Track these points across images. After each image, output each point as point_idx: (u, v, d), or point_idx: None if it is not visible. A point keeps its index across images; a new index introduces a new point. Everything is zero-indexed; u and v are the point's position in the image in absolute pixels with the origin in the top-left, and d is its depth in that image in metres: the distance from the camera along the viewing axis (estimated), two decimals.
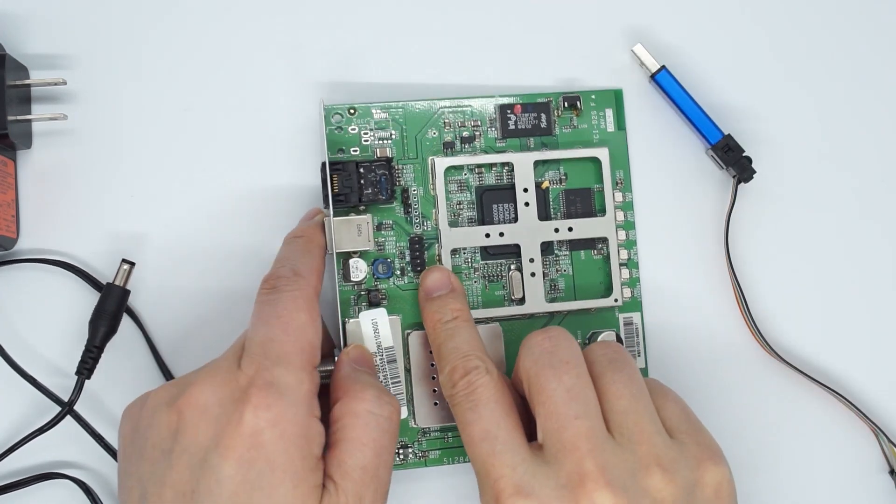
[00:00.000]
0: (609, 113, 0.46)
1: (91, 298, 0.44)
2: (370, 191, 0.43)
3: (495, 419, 0.38)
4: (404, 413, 0.43)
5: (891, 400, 0.47)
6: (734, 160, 0.46)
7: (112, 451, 0.44)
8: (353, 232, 0.43)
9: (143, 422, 0.37)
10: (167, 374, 0.45)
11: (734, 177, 0.46)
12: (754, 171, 0.46)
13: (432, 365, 0.44)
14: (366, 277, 0.44)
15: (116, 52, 0.46)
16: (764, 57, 0.48)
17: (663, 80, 0.46)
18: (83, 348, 0.43)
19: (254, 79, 0.46)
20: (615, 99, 0.47)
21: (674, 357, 0.46)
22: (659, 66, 0.46)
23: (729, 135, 0.46)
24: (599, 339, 0.44)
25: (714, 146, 0.46)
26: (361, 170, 0.43)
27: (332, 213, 0.43)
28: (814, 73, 0.48)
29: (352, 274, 0.44)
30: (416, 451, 0.44)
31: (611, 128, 0.46)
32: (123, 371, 0.45)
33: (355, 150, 0.45)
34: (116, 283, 0.44)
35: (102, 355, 0.43)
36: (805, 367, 0.46)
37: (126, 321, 0.44)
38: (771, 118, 0.48)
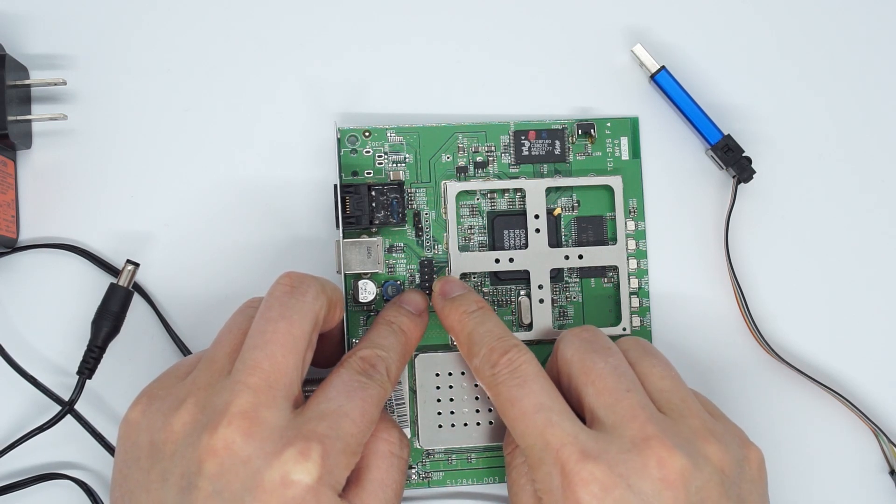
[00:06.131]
0: (624, 141, 0.46)
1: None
2: (381, 214, 0.44)
3: (546, 392, 0.38)
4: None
5: (891, 400, 0.47)
6: (734, 160, 0.46)
7: (113, 451, 0.44)
8: (363, 254, 0.43)
9: (168, 447, 0.36)
10: None
11: (734, 177, 0.46)
12: (754, 172, 0.46)
13: (438, 388, 0.44)
14: (374, 299, 0.44)
15: (116, 52, 0.46)
16: (764, 57, 0.48)
17: (663, 81, 0.46)
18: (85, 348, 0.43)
19: (252, 77, 0.46)
20: (631, 127, 0.46)
21: (673, 355, 0.46)
22: (659, 67, 0.46)
23: (729, 135, 0.46)
24: None
25: (714, 146, 0.46)
26: (373, 192, 0.44)
27: (342, 234, 0.43)
28: (814, 73, 0.48)
29: (360, 295, 0.44)
30: (420, 472, 0.45)
31: (625, 156, 0.46)
32: (125, 371, 0.45)
33: (369, 173, 0.45)
34: (120, 283, 0.43)
35: (104, 355, 0.43)
36: (805, 367, 0.46)
37: (130, 320, 0.44)
38: (771, 118, 0.48)
